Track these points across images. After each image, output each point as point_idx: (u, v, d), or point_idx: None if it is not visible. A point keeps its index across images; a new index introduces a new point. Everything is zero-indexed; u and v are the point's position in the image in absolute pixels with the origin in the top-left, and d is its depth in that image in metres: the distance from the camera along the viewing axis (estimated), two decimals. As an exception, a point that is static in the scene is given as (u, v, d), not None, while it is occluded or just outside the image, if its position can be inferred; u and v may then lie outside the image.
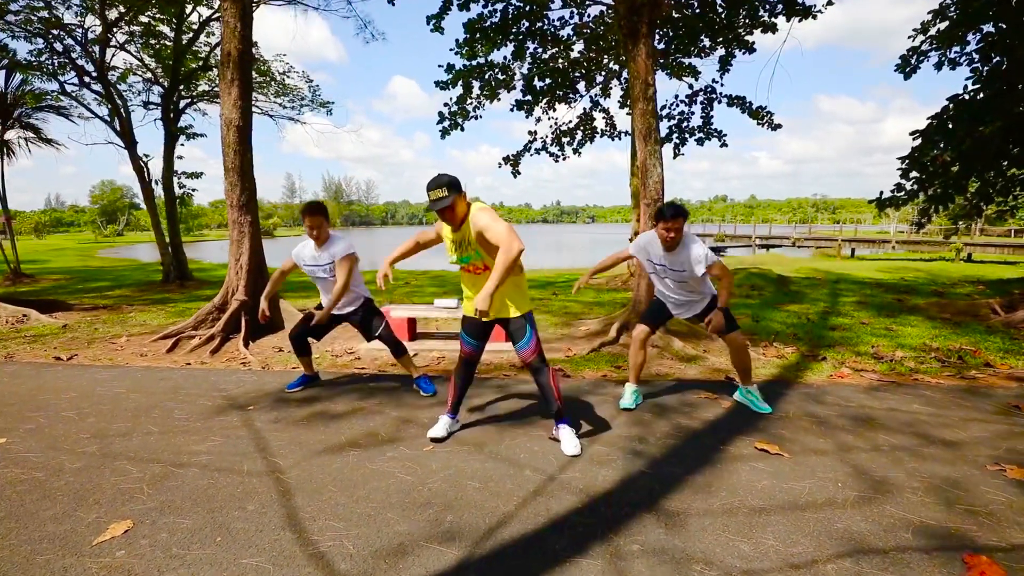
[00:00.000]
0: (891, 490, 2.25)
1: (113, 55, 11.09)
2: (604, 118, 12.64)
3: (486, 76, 10.35)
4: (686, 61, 11.14)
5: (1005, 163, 10.19)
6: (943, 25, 10.36)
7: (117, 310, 7.68)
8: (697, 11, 9.28)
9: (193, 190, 12.76)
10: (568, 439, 2.69)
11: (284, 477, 2.41)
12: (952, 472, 2.42)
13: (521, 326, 2.66)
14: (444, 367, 4.50)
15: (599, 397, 3.56)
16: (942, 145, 9.84)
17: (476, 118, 11.14)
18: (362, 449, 2.73)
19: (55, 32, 10.46)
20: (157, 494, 2.26)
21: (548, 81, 11.28)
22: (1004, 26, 9.21)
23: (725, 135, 11.53)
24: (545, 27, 10.09)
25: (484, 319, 2.55)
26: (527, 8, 9.36)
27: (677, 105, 11.57)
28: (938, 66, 10.87)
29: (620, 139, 12.95)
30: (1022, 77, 9.02)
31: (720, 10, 9.21)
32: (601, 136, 12.85)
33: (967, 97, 9.67)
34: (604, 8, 9.83)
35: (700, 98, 11.37)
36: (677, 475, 2.41)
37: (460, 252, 2.61)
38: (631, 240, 11.59)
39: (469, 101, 10.68)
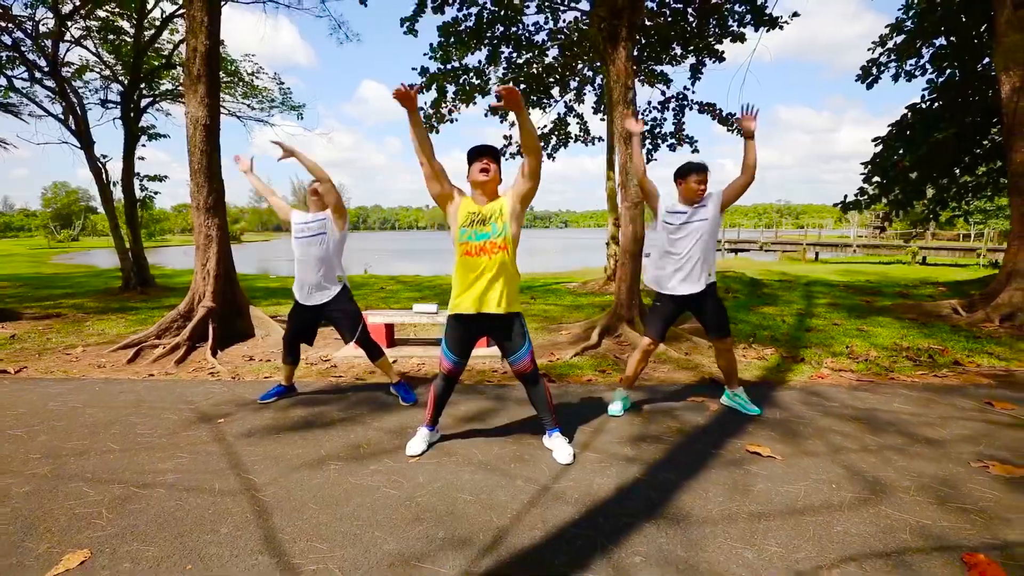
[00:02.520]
0: (884, 490, 2.26)
1: (68, 50, 10.53)
2: (578, 123, 12.73)
3: (460, 80, 10.28)
4: (658, 69, 11.35)
5: (958, 170, 10.73)
6: (900, 38, 10.84)
7: (72, 319, 7.23)
8: (669, 20, 9.46)
9: (156, 193, 12.22)
10: (560, 447, 2.61)
11: (260, 495, 2.25)
12: (939, 470, 2.45)
13: (519, 333, 2.54)
14: (426, 373, 4.37)
15: (587, 403, 3.50)
16: (901, 151, 10.28)
17: (451, 121, 11.06)
18: (343, 462, 2.58)
19: (2, 24, 9.85)
20: (118, 519, 2.07)
21: (523, 86, 11.29)
22: (955, 39, 9.67)
23: (696, 141, 11.76)
24: (520, 32, 10.12)
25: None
26: (502, 13, 9.37)
27: (650, 111, 11.75)
28: (895, 77, 11.36)
29: (594, 144, 13.07)
30: (973, 88, 9.51)
31: (691, 19, 9.41)
32: (575, 141, 12.94)
33: (924, 106, 10.13)
34: (578, 14, 9.92)
35: (672, 105, 11.58)
36: (673, 481, 2.36)
37: (479, 227, 2.41)
38: (608, 243, 11.70)
39: (444, 104, 10.59)
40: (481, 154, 2.44)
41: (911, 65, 10.97)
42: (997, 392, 3.67)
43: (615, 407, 3.28)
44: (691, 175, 3.09)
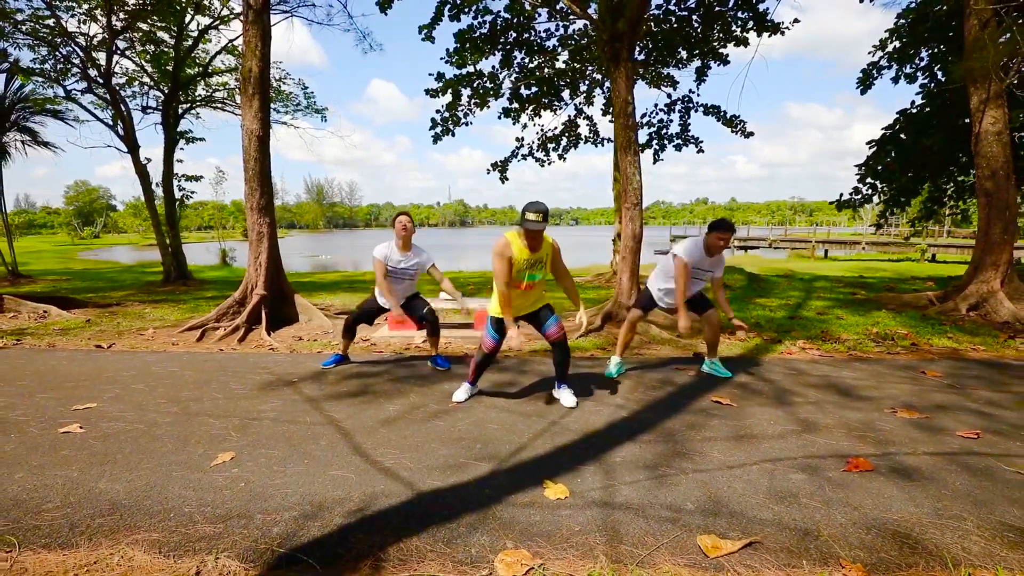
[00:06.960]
0: (811, 426, 2.97)
1: (117, 62, 11.45)
2: (588, 125, 13.37)
3: (475, 84, 10.97)
4: (665, 71, 11.94)
5: (955, 169, 11.22)
6: (899, 43, 11.34)
7: (130, 307, 8.12)
8: (675, 25, 10.07)
9: (193, 192, 13.15)
10: (566, 395, 3.37)
11: (341, 425, 3.03)
12: (860, 415, 3.15)
13: (550, 312, 3.35)
14: (451, 352, 5.13)
15: (590, 370, 4.25)
16: (893, 154, 10.83)
17: (467, 124, 11.76)
18: (399, 406, 3.36)
19: (59, 39, 10.80)
20: (244, 437, 2.86)
21: (534, 89, 11.94)
22: (944, 47, 10.17)
23: (702, 141, 12.33)
24: (532, 38, 10.77)
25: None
26: (514, 20, 10.03)
27: (656, 113, 12.34)
28: (895, 80, 11.85)
29: (603, 145, 13.70)
30: (963, 93, 10.00)
31: (696, 25, 10.01)
32: (585, 142, 13.58)
33: (914, 111, 10.66)
34: (587, 22, 10.57)
35: (678, 107, 12.16)
36: (651, 419, 3.10)
37: (531, 270, 3.16)
38: (614, 240, 12.39)
39: (460, 108, 11.29)
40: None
41: (911, 68, 11.45)
42: (935, 365, 4.34)
43: (611, 369, 4.03)
44: (714, 231, 3.69)
